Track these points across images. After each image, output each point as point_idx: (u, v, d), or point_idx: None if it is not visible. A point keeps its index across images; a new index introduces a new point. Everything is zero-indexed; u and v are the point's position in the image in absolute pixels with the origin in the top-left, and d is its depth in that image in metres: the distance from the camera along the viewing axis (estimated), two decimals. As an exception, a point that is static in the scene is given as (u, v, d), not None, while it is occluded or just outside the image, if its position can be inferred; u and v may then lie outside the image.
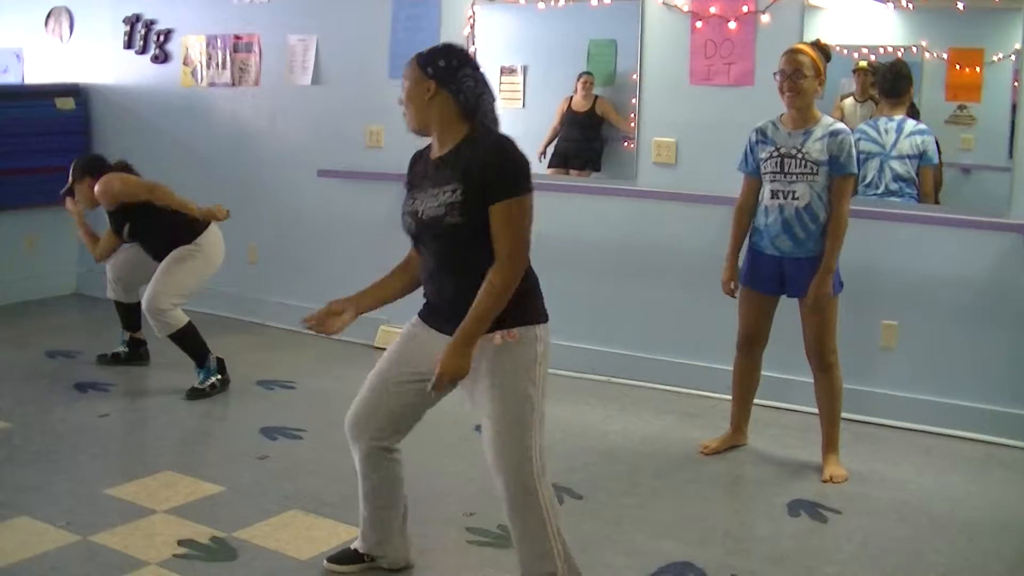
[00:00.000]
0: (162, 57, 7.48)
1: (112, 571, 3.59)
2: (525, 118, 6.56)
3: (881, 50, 5.63)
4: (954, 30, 5.45)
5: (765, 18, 5.45)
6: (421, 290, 3.39)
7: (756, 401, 5.00)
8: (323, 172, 6.71)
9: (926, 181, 5.31)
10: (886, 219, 5.24)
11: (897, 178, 5.30)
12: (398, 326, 6.50)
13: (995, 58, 5.29)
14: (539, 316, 3.24)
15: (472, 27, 6.27)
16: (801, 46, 4.60)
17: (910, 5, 5.32)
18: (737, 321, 4.83)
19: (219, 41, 7.25)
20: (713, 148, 5.54)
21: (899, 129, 5.28)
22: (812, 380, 4.71)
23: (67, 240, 7.77)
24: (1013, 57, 5.11)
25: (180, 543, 3.80)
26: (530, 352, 3.18)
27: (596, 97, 6.31)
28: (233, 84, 7.21)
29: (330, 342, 5.66)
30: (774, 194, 4.56)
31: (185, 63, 7.41)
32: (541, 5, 6.07)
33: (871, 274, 5.29)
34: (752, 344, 4.82)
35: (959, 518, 4.26)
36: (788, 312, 4.68)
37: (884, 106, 5.42)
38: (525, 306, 3.19)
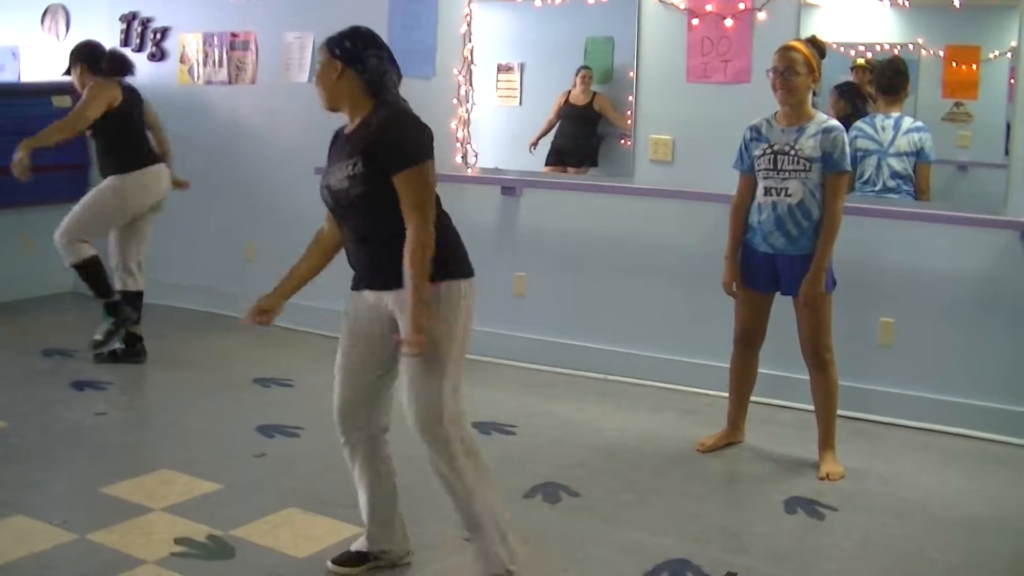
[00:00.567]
0: (159, 55, 7.47)
1: (109, 569, 3.58)
2: (522, 115, 6.56)
3: (878, 47, 5.62)
4: (950, 27, 5.44)
5: (761, 15, 5.45)
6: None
7: (753, 398, 5.01)
8: (320, 170, 6.66)
9: (923, 178, 5.31)
10: (883, 216, 5.24)
11: (895, 175, 5.31)
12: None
13: (991, 55, 5.29)
14: (462, 271, 3.38)
15: (469, 24, 6.26)
16: (794, 43, 4.60)
17: (906, 2, 5.31)
18: (734, 318, 4.83)
19: (216, 39, 7.24)
20: (710, 145, 5.53)
21: (896, 126, 5.29)
22: (808, 377, 4.71)
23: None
24: (1009, 54, 5.11)
25: (177, 541, 3.80)
26: (452, 305, 3.30)
27: (595, 93, 6.31)
28: (230, 82, 7.20)
29: (327, 340, 5.66)
30: (767, 191, 4.56)
31: (182, 61, 7.41)
32: (538, 2, 6.06)
33: (868, 271, 5.29)
34: (749, 341, 4.82)
35: (956, 515, 4.27)
36: (785, 309, 4.68)
37: (881, 103, 5.43)
38: (445, 261, 3.29)
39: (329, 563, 3.64)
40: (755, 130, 4.65)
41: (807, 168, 4.48)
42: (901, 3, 5.31)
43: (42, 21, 8.05)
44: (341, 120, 3.51)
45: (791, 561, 3.82)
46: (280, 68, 6.96)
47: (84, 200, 5.92)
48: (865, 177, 5.35)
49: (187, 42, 7.37)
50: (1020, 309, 5.06)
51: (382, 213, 3.27)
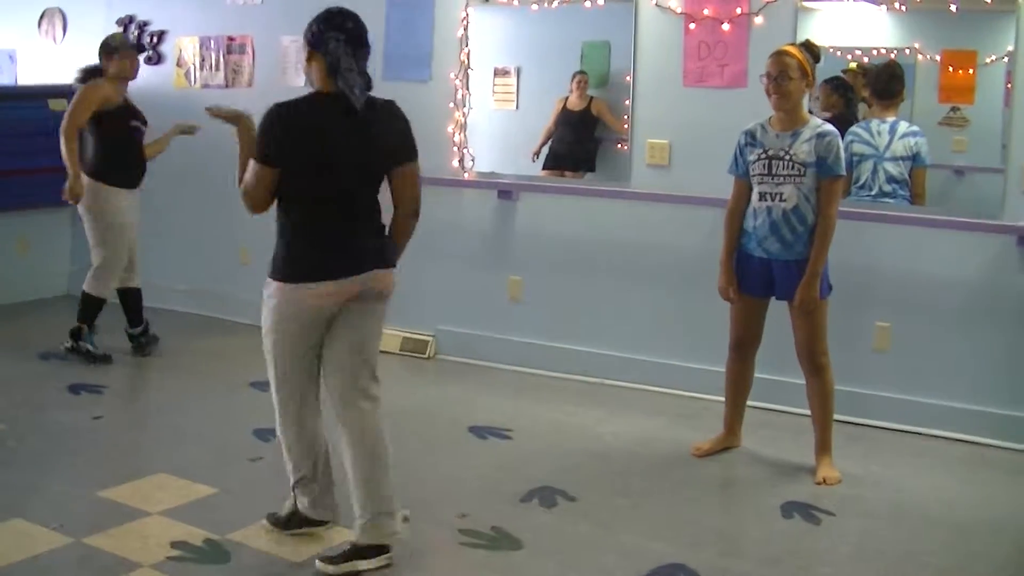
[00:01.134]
0: (156, 58, 7.47)
1: (105, 573, 3.58)
2: (519, 119, 6.56)
3: (874, 52, 5.63)
4: (947, 32, 5.45)
5: (758, 20, 5.46)
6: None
7: (749, 403, 5.01)
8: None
9: (919, 183, 5.31)
10: (879, 221, 5.25)
11: (891, 180, 5.31)
12: (386, 327, 6.53)
13: (988, 60, 5.29)
14: (277, 274, 3.62)
15: (466, 29, 6.26)
16: (788, 48, 4.60)
17: (903, 7, 5.32)
18: (729, 323, 4.83)
19: (212, 42, 7.24)
20: (706, 150, 5.54)
21: (892, 131, 5.29)
22: (804, 382, 4.71)
23: (59, 241, 7.76)
24: (1006, 59, 5.11)
25: (173, 545, 3.79)
26: (267, 305, 3.63)
27: (591, 97, 6.31)
28: (227, 86, 7.20)
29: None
30: (762, 196, 4.56)
31: (179, 64, 7.41)
32: (535, 7, 6.07)
33: (864, 276, 5.29)
34: (745, 346, 4.82)
35: (952, 519, 4.27)
36: (780, 314, 4.69)
37: (877, 108, 5.43)
38: (274, 261, 3.62)
39: (317, 562, 3.65)
40: (750, 135, 4.65)
41: (802, 173, 4.48)
42: (898, 7, 5.33)
43: (39, 25, 8.05)
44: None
45: (787, 565, 3.82)
46: (277, 72, 6.96)
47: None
48: (861, 182, 5.35)
49: (184, 46, 7.37)
50: (1016, 313, 5.07)
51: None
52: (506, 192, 6.20)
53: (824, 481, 4.57)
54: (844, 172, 4.58)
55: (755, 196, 4.60)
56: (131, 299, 6.20)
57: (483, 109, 6.40)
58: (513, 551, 3.84)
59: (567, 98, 6.39)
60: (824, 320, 4.59)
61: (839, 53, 5.63)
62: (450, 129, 6.32)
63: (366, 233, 3.62)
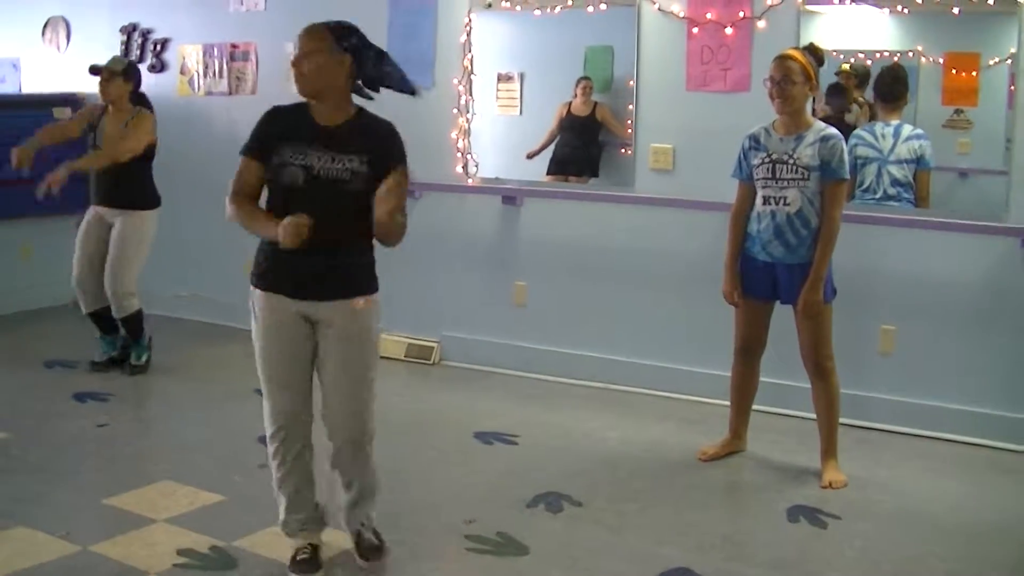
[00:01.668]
0: (159, 66, 7.48)
1: (111, 581, 3.59)
2: (522, 125, 6.56)
3: (877, 55, 5.62)
4: (950, 35, 5.45)
5: (761, 24, 5.46)
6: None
7: (755, 407, 5.00)
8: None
9: (923, 185, 5.31)
10: (884, 224, 5.24)
11: (895, 183, 5.31)
12: (391, 333, 6.53)
13: (991, 62, 5.29)
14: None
15: (468, 34, 6.27)
16: (791, 51, 4.60)
17: (905, 10, 5.32)
18: (734, 327, 4.83)
19: (216, 50, 7.26)
20: (710, 154, 5.53)
21: (896, 134, 5.29)
22: (810, 386, 4.71)
23: (63, 250, 7.72)
24: (1009, 61, 5.11)
25: (179, 552, 3.79)
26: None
27: (596, 103, 6.31)
28: (230, 93, 7.22)
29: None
30: (766, 200, 4.56)
31: (182, 72, 7.42)
32: (537, 12, 6.08)
33: (869, 279, 5.29)
34: (750, 350, 4.82)
35: (958, 522, 4.26)
36: (786, 318, 4.68)
37: (880, 111, 5.43)
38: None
39: None
40: (753, 139, 4.65)
41: (805, 177, 4.48)
42: (901, 11, 5.33)
43: (43, 33, 8.06)
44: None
45: (794, 569, 3.82)
46: (280, 79, 6.96)
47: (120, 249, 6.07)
48: (865, 185, 5.35)
49: (187, 53, 7.39)
50: (1021, 316, 5.06)
51: (355, 216, 3.40)
52: (510, 197, 6.20)
53: (830, 485, 4.57)
54: (848, 175, 4.58)
55: (759, 200, 4.60)
56: (107, 317, 6.15)
57: (487, 115, 6.41)
58: (519, 556, 3.84)
59: (570, 103, 6.39)
60: (829, 324, 4.59)
61: (842, 56, 5.63)
62: (454, 135, 6.32)
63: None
